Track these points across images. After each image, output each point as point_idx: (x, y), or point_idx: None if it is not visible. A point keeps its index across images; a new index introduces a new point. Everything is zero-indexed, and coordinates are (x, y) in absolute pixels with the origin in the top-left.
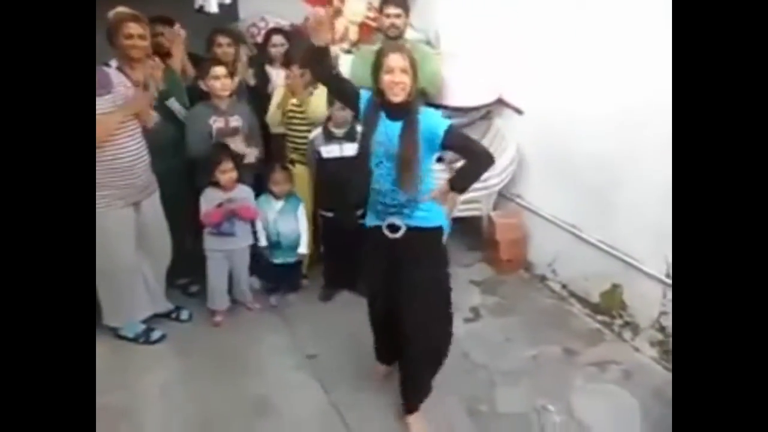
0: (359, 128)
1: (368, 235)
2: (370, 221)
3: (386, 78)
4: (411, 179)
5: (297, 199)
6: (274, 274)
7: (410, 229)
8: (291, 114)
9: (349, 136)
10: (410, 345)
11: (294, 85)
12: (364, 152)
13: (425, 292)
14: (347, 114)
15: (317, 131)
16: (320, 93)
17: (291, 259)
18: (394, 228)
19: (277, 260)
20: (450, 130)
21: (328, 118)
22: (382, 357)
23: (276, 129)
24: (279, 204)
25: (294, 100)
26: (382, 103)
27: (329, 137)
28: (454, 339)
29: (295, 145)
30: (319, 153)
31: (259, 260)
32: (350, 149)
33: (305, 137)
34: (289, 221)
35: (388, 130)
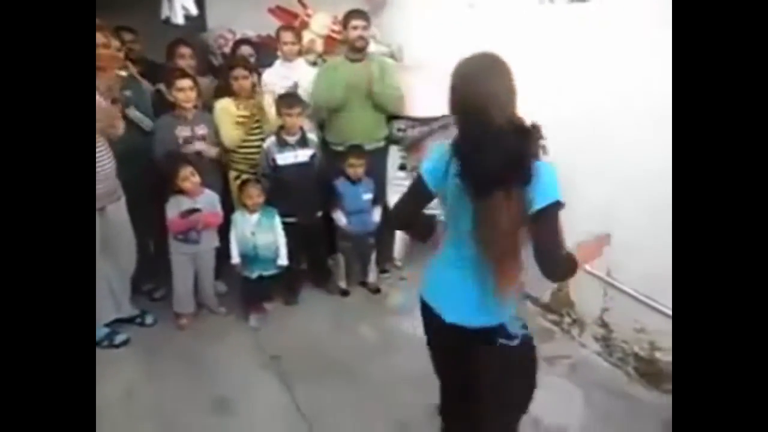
0: (309, 134)
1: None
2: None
3: None
4: None
5: (272, 210)
6: (249, 289)
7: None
8: (240, 126)
9: (302, 143)
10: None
11: (243, 88)
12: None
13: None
14: (299, 121)
15: (270, 140)
16: (267, 98)
17: (269, 272)
18: None
19: (254, 274)
20: None
21: (281, 127)
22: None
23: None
24: (254, 217)
25: (243, 112)
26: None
27: (283, 145)
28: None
29: (245, 158)
30: (274, 161)
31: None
32: (304, 155)
33: (258, 147)
34: (267, 234)
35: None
